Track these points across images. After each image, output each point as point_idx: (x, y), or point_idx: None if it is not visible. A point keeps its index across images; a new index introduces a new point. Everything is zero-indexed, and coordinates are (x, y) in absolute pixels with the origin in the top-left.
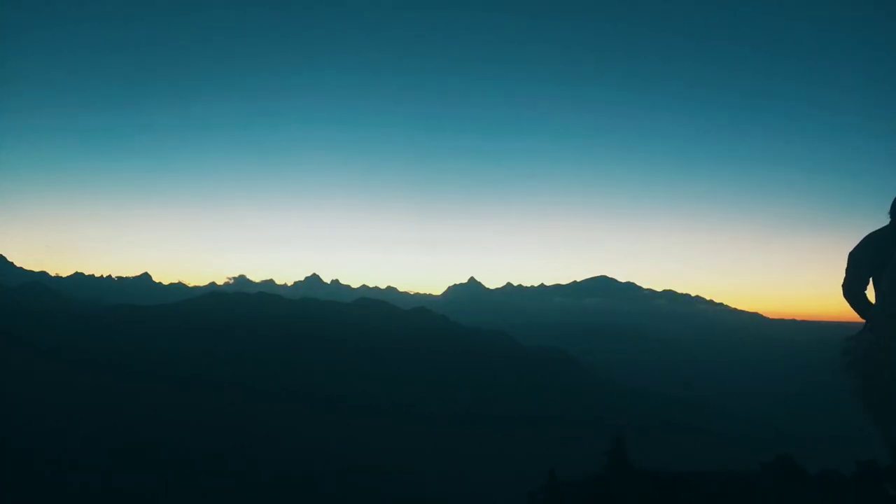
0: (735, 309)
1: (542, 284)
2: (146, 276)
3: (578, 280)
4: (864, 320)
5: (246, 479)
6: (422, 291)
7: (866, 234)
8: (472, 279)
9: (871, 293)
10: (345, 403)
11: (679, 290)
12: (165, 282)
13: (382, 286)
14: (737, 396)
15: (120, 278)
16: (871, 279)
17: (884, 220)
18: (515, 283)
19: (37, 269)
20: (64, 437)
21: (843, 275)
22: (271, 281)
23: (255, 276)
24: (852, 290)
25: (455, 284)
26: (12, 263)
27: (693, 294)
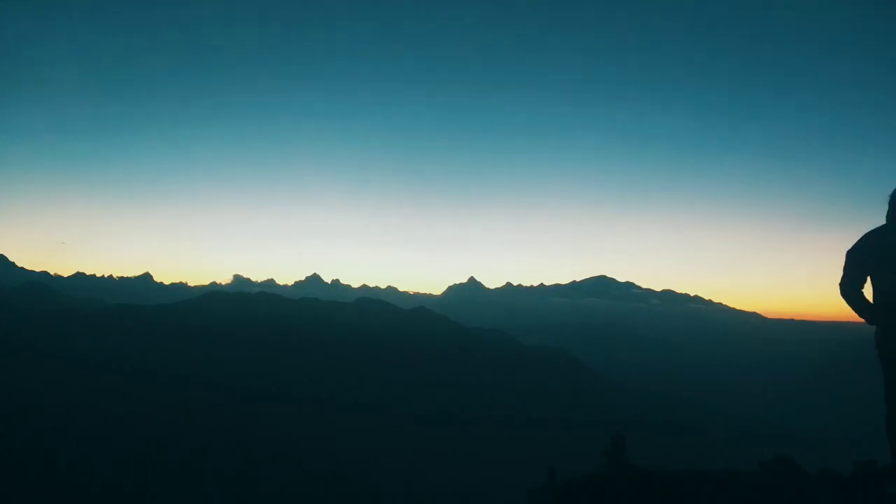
0: (734, 308)
1: (542, 284)
2: (147, 275)
3: (578, 280)
4: (861, 319)
5: (246, 479)
6: (422, 291)
7: (865, 232)
8: (471, 279)
9: (867, 291)
10: (345, 403)
11: (678, 290)
12: (166, 282)
13: (382, 286)
14: (736, 396)
15: (121, 278)
16: (868, 278)
17: (883, 219)
18: (515, 283)
19: (38, 268)
20: (64, 437)
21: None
22: (272, 281)
23: (256, 276)
24: (849, 288)
25: (455, 284)
26: (13, 263)
27: (692, 294)
